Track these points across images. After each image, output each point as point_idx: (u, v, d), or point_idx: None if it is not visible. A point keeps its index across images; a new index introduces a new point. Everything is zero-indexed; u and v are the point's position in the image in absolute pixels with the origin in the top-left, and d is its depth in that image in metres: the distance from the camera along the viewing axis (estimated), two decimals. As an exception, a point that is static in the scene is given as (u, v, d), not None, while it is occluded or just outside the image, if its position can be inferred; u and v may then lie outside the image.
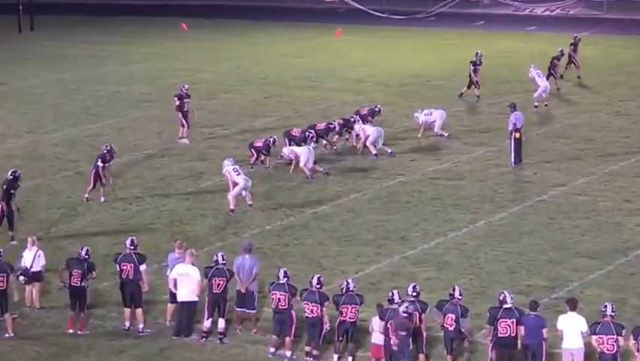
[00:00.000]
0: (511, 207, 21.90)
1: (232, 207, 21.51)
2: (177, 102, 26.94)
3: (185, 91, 27.18)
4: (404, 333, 13.96)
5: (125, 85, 35.49)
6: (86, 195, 22.36)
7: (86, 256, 16.22)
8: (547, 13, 54.49)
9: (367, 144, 25.56)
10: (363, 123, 26.14)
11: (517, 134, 24.76)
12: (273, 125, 28.57)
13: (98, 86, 35.48)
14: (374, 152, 25.49)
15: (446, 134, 27.40)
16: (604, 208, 21.71)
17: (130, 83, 35.93)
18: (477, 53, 32.33)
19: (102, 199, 22.34)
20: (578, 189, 23.03)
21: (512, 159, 24.77)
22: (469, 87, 32.13)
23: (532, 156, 25.59)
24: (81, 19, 52.74)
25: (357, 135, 25.98)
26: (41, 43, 45.32)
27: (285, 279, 15.17)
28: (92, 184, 22.22)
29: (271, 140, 24.63)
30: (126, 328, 16.17)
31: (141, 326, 16.12)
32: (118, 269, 16.17)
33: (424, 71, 37.57)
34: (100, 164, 22.06)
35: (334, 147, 26.06)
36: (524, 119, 25.68)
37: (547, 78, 31.86)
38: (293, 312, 15.12)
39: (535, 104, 30.70)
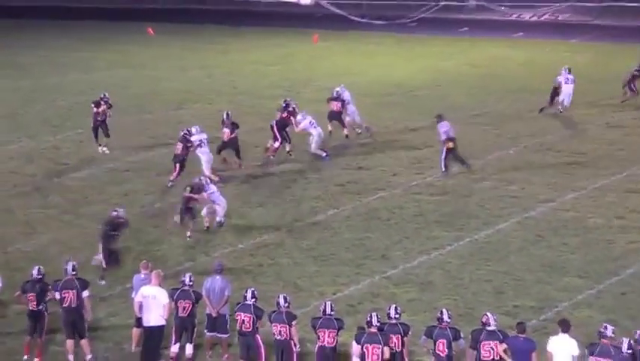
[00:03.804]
0: (497, 223, 22.11)
1: (207, 224, 21.63)
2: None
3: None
4: None
5: (87, 94, 35.38)
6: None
7: (39, 276, 15.95)
8: (535, 18, 55.11)
9: (313, 148, 26.78)
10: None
11: (451, 144, 25.20)
12: (243, 138, 28.67)
13: (57, 95, 35.50)
14: (324, 154, 26.77)
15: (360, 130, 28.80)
16: (594, 225, 21.95)
17: (92, 92, 35.74)
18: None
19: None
20: (568, 205, 23.27)
21: (442, 167, 25.34)
22: (551, 101, 31.51)
23: (520, 170, 25.87)
24: (39, 24, 52.71)
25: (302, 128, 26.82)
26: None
27: (253, 300, 15.24)
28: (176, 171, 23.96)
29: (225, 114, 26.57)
30: None
31: (88, 356, 15.93)
32: (59, 297, 15.86)
33: (406, 80, 37.86)
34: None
35: (290, 155, 26.90)
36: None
37: (631, 89, 32.09)
38: (258, 336, 15.18)
39: (560, 108, 31.32)
